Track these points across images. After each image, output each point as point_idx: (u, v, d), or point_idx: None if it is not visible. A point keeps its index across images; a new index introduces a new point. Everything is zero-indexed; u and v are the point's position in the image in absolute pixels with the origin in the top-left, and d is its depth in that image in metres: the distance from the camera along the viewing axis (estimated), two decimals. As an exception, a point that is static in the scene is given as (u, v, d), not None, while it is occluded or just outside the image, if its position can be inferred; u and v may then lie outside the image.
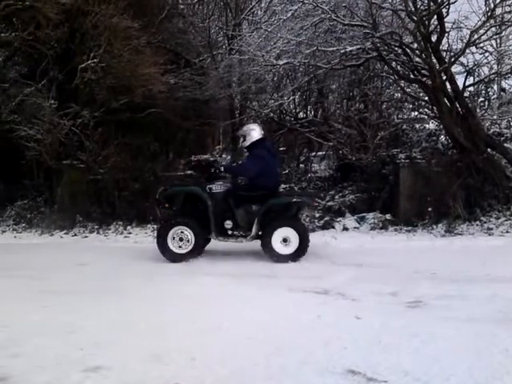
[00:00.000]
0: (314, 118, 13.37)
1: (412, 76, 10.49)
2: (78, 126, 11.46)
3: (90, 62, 11.42)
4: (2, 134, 12.07)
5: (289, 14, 11.15)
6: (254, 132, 7.82)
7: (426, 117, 11.73)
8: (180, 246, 7.59)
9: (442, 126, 10.85)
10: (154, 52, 12.10)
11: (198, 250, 7.69)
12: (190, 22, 15.31)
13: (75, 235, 10.92)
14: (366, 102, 12.53)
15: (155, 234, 8.31)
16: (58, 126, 11.39)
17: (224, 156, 15.90)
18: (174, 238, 7.60)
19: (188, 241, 7.59)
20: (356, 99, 12.82)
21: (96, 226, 11.25)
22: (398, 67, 10.70)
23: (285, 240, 7.47)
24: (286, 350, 3.82)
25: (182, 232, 7.60)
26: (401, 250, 8.21)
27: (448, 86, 10.19)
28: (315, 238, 9.28)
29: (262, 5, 14.70)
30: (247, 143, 7.85)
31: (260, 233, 7.66)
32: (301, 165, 13.60)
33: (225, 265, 7.22)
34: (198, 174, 13.68)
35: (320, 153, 13.81)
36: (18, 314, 4.81)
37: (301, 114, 14.38)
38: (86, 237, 10.76)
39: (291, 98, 12.91)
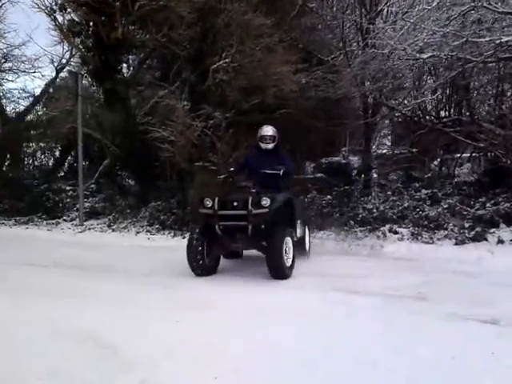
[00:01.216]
0: (459, 116, 12.07)
1: None
2: (209, 128, 11.32)
3: (221, 62, 11.25)
4: (137, 135, 12.34)
5: (434, 4, 10.11)
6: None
7: None
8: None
9: None
10: (286, 50, 11.60)
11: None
12: (321, 18, 14.67)
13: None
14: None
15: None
16: (190, 127, 11.33)
17: (351, 158, 15.08)
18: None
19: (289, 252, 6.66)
20: (508, 96, 11.34)
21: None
22: None
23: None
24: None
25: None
26: None
27: None
28: (466, 252, 8.26)
29: (401, -5, 13.65)
30: (273, 145, 7.41)
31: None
32: (443, 168, 12.39)
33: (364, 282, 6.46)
34: (328, 178, 13.09)
35: (465, 155, 12.46)
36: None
37: (442, 113, 13.14)
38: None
39: (434, 95, 11.73)
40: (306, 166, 14.84)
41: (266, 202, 6.32)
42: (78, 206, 12.88)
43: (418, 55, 9.90)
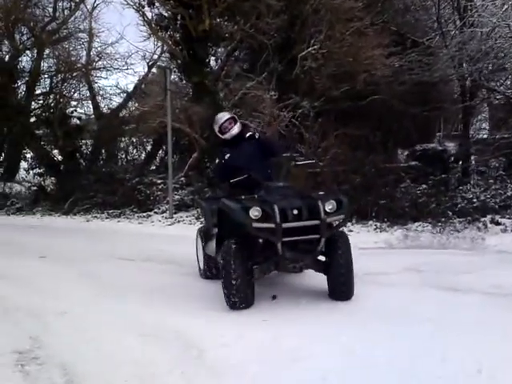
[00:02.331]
0: None
1: None
2: (297, 118, 11.05)
3: (310, 49, 10.95)
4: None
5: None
6: None
7: None
8: None
9: None
10: (378, 33, 11.09)
11: None
12: (415, -2, 13.89)
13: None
14: None
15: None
16: (278, 118, 11.12)
17: (447, 144, 14.18)
18: None
19: None
20: None
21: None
22: None
23: None
24: None
25: None
26: None
27: None
28: None
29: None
30: (238, 126, 5.81)
31: None
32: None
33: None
34: (423, 166, 12.37)
35: None
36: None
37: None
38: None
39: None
40: (399, 153, 14.13)
41: (332, 206, 4.88)
42: (168, 199, 13.04)
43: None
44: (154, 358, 3.82)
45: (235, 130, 5.66)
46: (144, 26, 11.52)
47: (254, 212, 4.66)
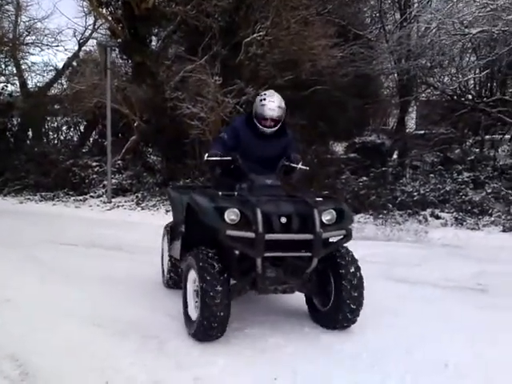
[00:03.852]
0: (502, 96, 11.46)
1: None
2: (242, 105, 10.88)
3: (255, 35, 10.79)
4: (166, 111, 11.94)
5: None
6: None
7: None
8: None
9: None
10: (323, 23, 11.09)
11: None
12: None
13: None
14: None
15: None
16: (222, 103, 10.92)
17: (384, 138, 14.52)
18: None
19: None
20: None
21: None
22: None
23: None
24: None
25: None
26: None
27: None
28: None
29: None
30: (275, 128, 4.34)
31: None
32: (483, 150, 11.84)
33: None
34: (362, 158, 12.59)
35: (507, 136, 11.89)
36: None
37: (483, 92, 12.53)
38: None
39: (480, 73, 11.10)
40: (336, 145, 14.30)
41: (330, 216, 3.87)
42: (105, 182, 12.57)
43: (466, 30, 9.32)
44: (113, 351, 3.62)
45: (271, 131, 4.30)
46: (84, 1, 10.94)
47: (231, 215, 3.64)
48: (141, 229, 8.78)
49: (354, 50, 12.16)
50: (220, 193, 3.85)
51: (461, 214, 9.35)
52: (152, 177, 13.12)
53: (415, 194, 10.07)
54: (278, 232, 3.72)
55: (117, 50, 12.21)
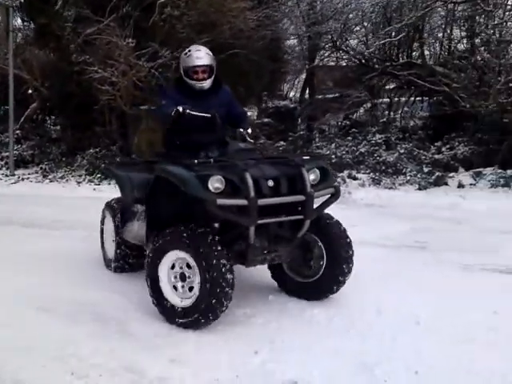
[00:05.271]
0: (410, 60, 11.92)
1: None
2: (157, 68, 10.43)
3: (170, -5, 10.28)
4: (72, 76, 11.16)
5: None
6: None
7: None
8: None
9: None
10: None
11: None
12: None
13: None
14: (473, 42, 11.01)
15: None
16: (135, 67, 10.39)
17: (296, 102, 14.68)
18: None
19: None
20: (462, 38, 11.33)
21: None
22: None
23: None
24: None
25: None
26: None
27: None
28: (436, 198, 8.27)
29: None
30: (210, 80, 3.99)
31: None
32: (392, 113, 12.36)
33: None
34: (275, 123, 12.65)
35: (418, 99, 12.46)
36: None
37: (395, 57, 12.92)
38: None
39: (396, 38, 11.36)
40: (250, 109, 14.24)
41: (314, 176, 3.68)
42: (7, 153, 11.62)
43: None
44: (71, 336, 3.32)
45: (207, 84, 3.94)
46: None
47: (215, 183, 3.30)
48: (53, 203, 8.25)
49: (267, 13, 12.02)
50: (196, 161, 3.48)
51: (377, 174, 9.73)
52: (56, 147, 12.33)
53: (333, 156, 10.31)
54: (269, 196, 3.44)
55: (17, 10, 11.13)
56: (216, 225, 3.63)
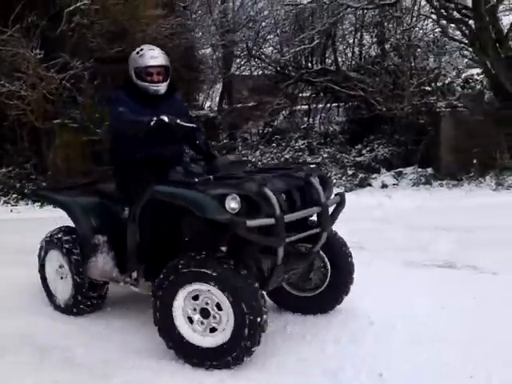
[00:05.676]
0: (324, 66, 12.14)
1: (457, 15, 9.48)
2: (69, 79, 9.92)
3: (79, 4, 9.81)
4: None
5: None
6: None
7: (466, 61, 10.83)
8: None
9: (484, 72, 9.94)
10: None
11: None
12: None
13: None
14: (384, 47, 11.43)
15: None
16: (45, 79, 9.83)
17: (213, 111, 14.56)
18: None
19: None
20: (373, 43, 11.73)
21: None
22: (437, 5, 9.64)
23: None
24: None
25: None
26: (471, 207, 7.34)
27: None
28: (363, 198, 8.41)
29: None
30: (166, 84, 3.62)
31: None
32: (311, 119, 12.54)
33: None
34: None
35: (334, 104, 12.71)
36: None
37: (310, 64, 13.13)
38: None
39: (309, 45, 11.51)
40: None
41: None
42: None
43: (299, 0, 9.64)
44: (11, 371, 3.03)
45: (163, 88, 3.57)
46: None
47: (231, 203, 2.90)
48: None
49: (180, 21, 11.84)
50: (197, 179, 3.05)
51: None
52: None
53: (259, 163, 10.26)
54: (288, 212, 3.08)
55: None
56: (223, 248, 3.25)
